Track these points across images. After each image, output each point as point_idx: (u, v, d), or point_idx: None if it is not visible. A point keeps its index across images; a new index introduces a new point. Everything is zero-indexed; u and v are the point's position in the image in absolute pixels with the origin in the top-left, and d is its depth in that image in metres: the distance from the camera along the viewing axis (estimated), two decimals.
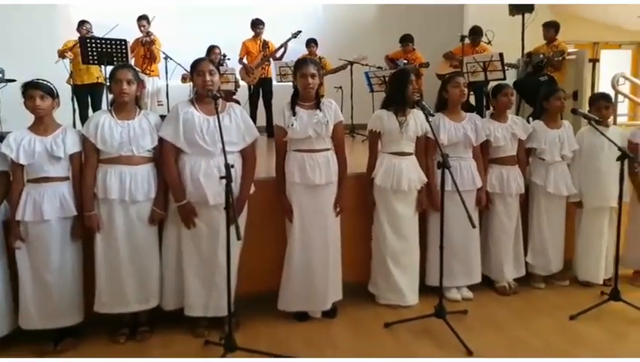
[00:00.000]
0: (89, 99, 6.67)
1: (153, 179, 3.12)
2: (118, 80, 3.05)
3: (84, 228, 3.09)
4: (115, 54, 5.91)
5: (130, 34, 6.75)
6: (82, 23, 6.58)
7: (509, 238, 3.96)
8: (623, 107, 8.14)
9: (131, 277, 3.10)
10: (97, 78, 6.57)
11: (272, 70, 7.44)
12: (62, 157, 3.00)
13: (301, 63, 3.39)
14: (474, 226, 3.06)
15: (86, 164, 3.09)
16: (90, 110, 6.61)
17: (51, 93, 3.01)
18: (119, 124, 3.07)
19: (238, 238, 2.55)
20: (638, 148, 4.01)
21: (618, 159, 3.47)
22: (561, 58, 6.19)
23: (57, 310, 3.04)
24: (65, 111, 5.91)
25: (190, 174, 3.07)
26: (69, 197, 3.03)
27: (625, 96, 7.56)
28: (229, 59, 7.27)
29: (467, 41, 6.86)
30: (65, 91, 6.09)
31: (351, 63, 7.28)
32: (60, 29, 7.84)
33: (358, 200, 3.73)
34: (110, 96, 3.26)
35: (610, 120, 4.28)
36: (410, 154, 3.62)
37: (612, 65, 9.44)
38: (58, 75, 6.15)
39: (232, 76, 6.78)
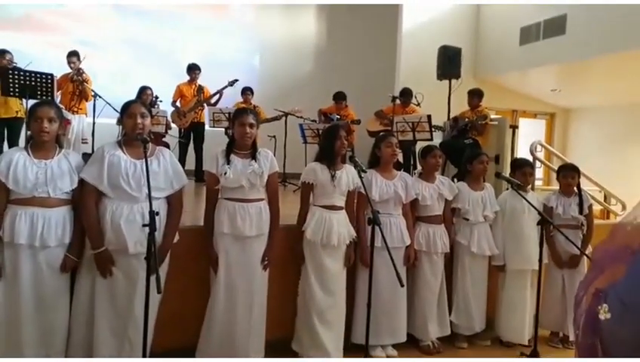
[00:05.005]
0: (5, 134, 6.25)
1: (69, 224, 2.90)
2: (38, 117, 2.85)
3: None
4: (39, 88, 5.60)
5: (53, 68, 6.35)
6: (3, 52, 6.21)
7: (434, 297, 3.98)
8: (538, 172, 8.65)
9: (32, 331, 2.80)
10: (16, 112, 6.18)
11: (206, 115, 7.36)
12: None
13: (240, 112, 3.35)
14: (402, 285, 3.04)
15: None
16: (5, 145, 6.19)
17: None
18: (35, 163, 2.84)
19: (159, 291, 2.36)
20: (552, 211, 4.22)
21: (539, 223, 3.63)
22: (484, 122, 6.48)
23: None
24: None
25: (111, 220, 2.88)
26: None
27: (542, 162, 8.06)
28: (161, 101, 7.13)
29: (398, 101, 7.09)
30: None
31: (286, 114, 7.34)
32: None
33: (287, 253, 3.63)
34: (28, 133, 3.04)
35: (529, 185, 4.49)
36: (341, 208, 3.61)
37: (528, 133, 10.11)
38: None
39: (163, 118, 6.62)
